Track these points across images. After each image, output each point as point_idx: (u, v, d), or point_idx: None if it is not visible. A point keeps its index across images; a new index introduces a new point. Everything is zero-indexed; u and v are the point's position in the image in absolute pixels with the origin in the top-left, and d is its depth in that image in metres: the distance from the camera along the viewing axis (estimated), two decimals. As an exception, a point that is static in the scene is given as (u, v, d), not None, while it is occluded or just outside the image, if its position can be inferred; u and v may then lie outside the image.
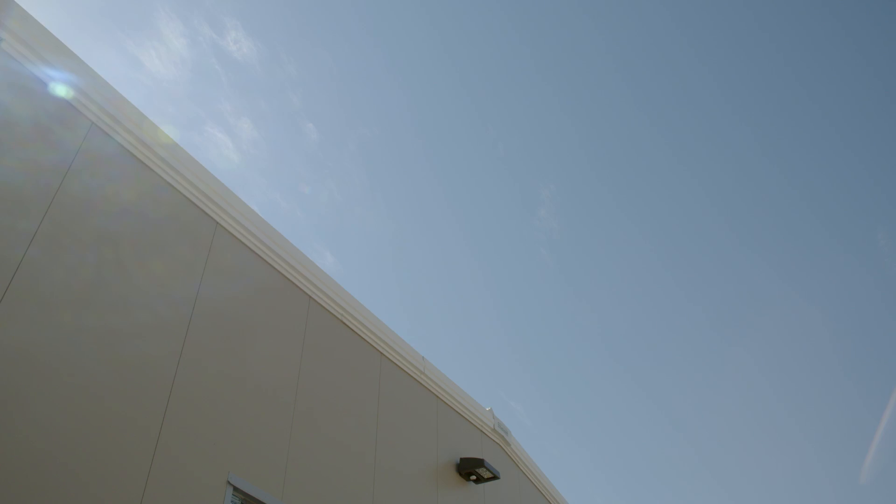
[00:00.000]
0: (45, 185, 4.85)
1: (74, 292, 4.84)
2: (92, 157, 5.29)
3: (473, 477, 9.25)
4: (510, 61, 22.02)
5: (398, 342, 8.45)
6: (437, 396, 9.22)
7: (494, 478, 9.32)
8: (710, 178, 23.76)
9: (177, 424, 5.26)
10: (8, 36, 4.78)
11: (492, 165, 24.06)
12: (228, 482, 5.56)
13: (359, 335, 7.95)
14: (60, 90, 5.06)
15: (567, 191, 24.58)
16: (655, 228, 24.78)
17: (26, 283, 4.52)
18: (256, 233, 6.72)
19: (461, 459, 9.18)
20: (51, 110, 5.07)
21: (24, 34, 4.88)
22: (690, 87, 22.06)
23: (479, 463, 9.10)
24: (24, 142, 4.77)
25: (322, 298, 7.45)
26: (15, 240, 4.52)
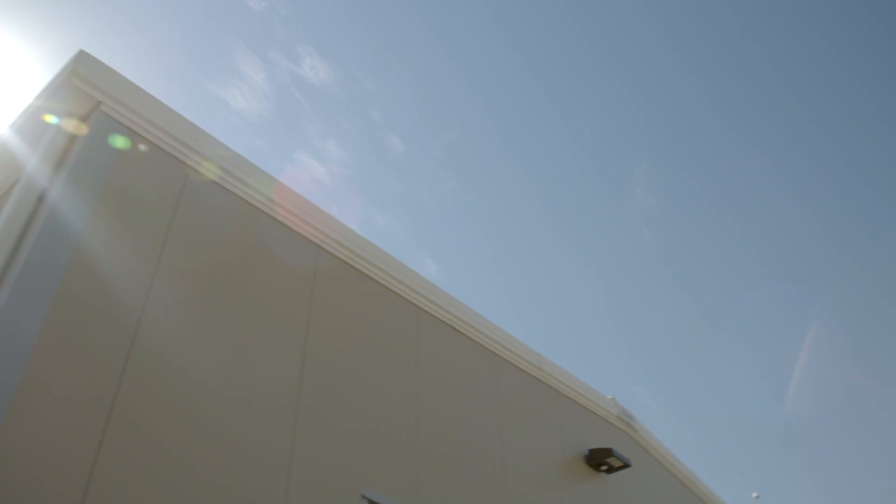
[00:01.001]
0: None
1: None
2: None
3: (604, 467, 9.19)
4: (577, 44, 21.68)
5: (511, 341, 8.50)
6: (557, 391, 9.21)
7: (626, 466, 9.22)
8: (808, 141, 22.63)
9: (306, 444, 5.50)
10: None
11: (580, 152, 23.74)
12: (363, 496, 5.76)
13: (471, 339, 8.06)
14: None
15: (661, 165, 23.94)
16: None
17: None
18: (357, 251, 6.92)
19: (589, 451, 9.13)
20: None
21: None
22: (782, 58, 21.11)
23: (608, 452, 9.02)
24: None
25: (430, 307, 7.60)
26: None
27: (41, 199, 4.70)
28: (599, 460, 9.05)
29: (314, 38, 20.73)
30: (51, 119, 5.13)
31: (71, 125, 5.16)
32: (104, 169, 4.95)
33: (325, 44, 20.90)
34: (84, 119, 5.24)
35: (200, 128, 5.75)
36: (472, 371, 7.85)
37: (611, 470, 9.22)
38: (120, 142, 5.14)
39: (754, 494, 14.88)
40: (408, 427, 6.56)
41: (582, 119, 23.21)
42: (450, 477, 6.74)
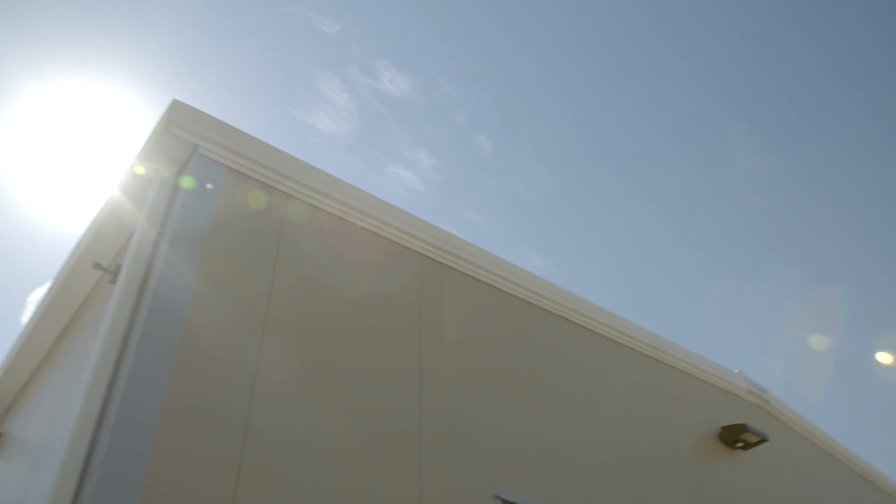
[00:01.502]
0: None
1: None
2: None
3: (740, 444, 8.85)
4: (651, 15, 21.01)
5: (628, 326, 8.33)
6: (680, 370, 8.95)
7: (763, 441, 8.85)
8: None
9: (434, 448, 5.55)
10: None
11: (672, 127, 23.01)
12: (495, 496, 5.77)
13: (586, 328, 7.94)
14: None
15: (761, 126, 22.88)
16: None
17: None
18: (467, 257, 6.94)
19: (722, 429, 8.82)
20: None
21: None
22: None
23: (742, 428, 8.69)
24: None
25: (541, 301, 7.53)
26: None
27: (150, 264, 4.94)
28: (734, 437, 8.73)
29: (389, 52, 21.02)
30: (152, 173, 5.41)
31: (172, 176, 5.42)
32: (207, 216, 5.15)
33: (401, 55, 21.16)
34: (184, 165, 5.50)
35: (295, 157, 5.91)
36: (590, 361, 7.74)
37: (747, 446, 8.87)
38: (216, 183, 5.35)
39: None
40: (532, 424, 6.53)
41: (670, 91, 22.50)
42: (580, 470, 6.67)
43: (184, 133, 5.28)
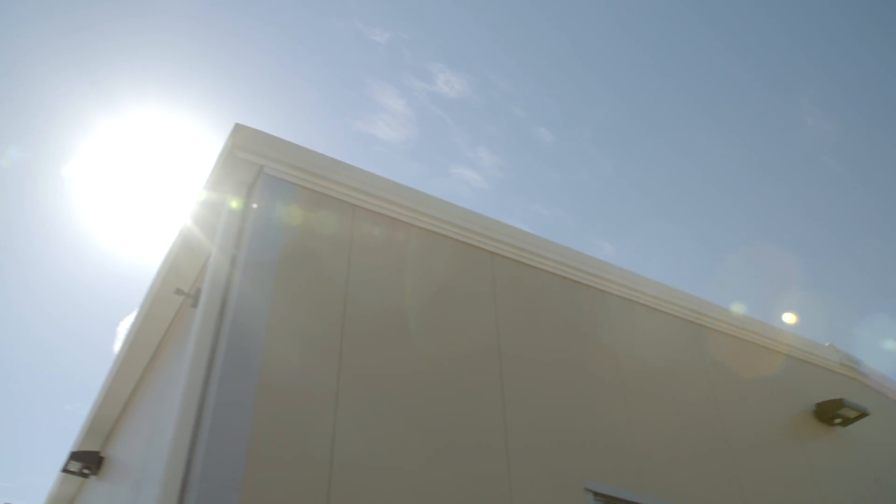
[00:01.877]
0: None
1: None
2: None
3: (838, 420, 8.51)
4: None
5: (709, 307, 8.12)
6: (767, 348, 8.67)
7: (863, 415, 8.49)
8: None
9: (521, 447, 5.53)
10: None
11: (733, 101, 22.33)
12: (587, 489, 5.71)
13: (665, 313, 7.78)
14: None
15: (832, 87, 21.98)
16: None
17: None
18: (532, 248, 6.90)
19: (817, 405, 8.50)
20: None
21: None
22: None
23: (839, 403, 8.35)
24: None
25: (615, 288, 7.42)
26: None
27: (227, 288, 5.07)
28: (831, 413, 8.40)
29: (441, 54, 21.11)
30: (221, 198, 5.56)
31: (240, 199, 5.56)
32: (278, 236, 5.26)
33: (453, 56, 21.22)
34: (251, 186, 5.64)
35: (358, 167, 5.99)
36: (672, 346, 7.58)
37: (846, 422, 8.53)
38: (283, 200, 5.46)
39: None
40: (618, 414, 6.44)
41: (736, 56, 21.83)
42: (669, 458, 6.53)
43: (248, 155, 5.42)
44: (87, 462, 9.01)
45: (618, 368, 6.78)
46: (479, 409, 5.51)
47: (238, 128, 5.41)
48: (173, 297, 6.47)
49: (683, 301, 7.87)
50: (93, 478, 8.91)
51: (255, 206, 5.35)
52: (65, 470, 8.96)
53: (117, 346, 8.35)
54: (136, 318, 7.17)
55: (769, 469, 7.33)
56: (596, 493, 5.77)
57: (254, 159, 5.45)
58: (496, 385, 5.77)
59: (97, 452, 8.85)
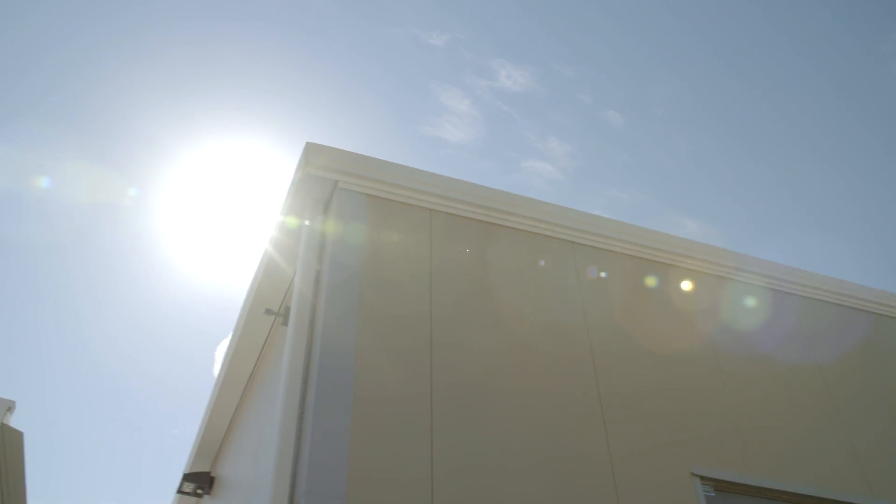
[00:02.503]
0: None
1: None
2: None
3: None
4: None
5: (801, 275, 7.80)
6: (876, 314, 8.26)
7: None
8: None
9: (622, 436, 5.45)
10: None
11: (809, 48, 21.36)
12: (693, 473, 5.58)
13: (760, 286, 7.53)
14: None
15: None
16: None
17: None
18: (609, 233, 6.78)
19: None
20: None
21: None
22: None
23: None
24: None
25: (704, 266, 7.22)
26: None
27: (314, 306, 5.18)
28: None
29: (500, 49, 21.04)
30: (300, 218, 5.69)
31: (318, 216, 5.68)
32: (358, 250, 5.35)
33: (512, 50, 21.12)
34: (328, 202, 5.75)
35: (431, 171, 6.02)
36: (773, 320, 7.31)
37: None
38: (359, 212, 5.55)
39: None
40: (719, 396, 6.26)
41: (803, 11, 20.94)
42: (779, 440, 6.31)
43: (322, 172, 5.52)
44: (199, 482, 9.33)
45: (713, 350, 6.60)
46: (576, 411, 5.45)
47: (309, 146, 5.52)
48: (264, 317, 6.65)
49: (778, 273, 7.60)
50: (206, 497, 9.25)
51: (329, 221, 5.45)
52: (180, 491, 9.30)
53: (216, 369, 8.67)
54: (232, 340, 7.41)
55: (887, 437, 6.98)
56: (703, 478, 5.63)
57: (328, 175, 5.55)
58: (592, 385, 5.70)
59: (208, 473, 9.17)
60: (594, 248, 6.69)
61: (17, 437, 14.15)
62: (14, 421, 15.91)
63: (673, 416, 5.85)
